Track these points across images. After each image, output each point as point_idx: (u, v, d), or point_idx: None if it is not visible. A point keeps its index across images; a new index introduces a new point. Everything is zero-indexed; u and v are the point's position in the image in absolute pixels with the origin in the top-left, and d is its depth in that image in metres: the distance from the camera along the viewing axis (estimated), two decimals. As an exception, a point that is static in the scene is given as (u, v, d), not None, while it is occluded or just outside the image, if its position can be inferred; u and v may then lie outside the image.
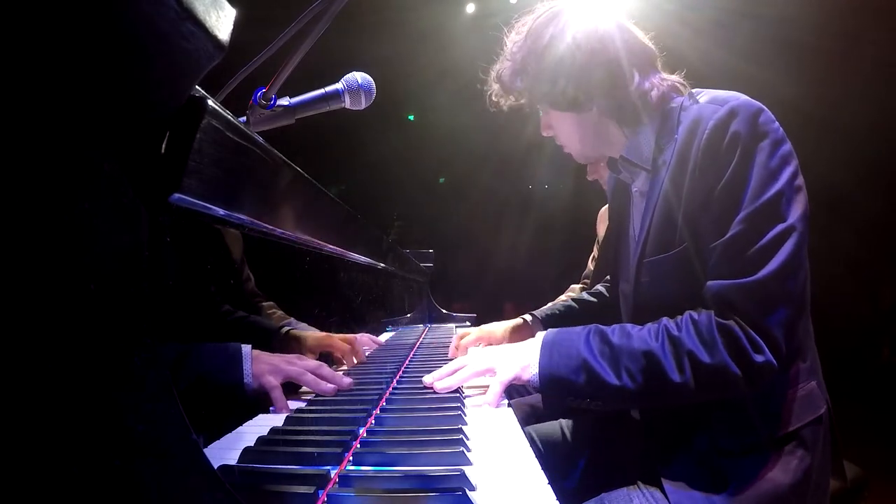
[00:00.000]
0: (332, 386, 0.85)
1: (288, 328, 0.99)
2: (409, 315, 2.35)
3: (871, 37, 4.24)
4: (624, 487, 0.85)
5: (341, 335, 1.14)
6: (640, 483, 0.85)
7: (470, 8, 4.92)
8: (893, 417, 3.38)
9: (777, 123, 0.81)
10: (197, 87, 0.43)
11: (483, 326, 1.27)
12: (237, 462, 0.55)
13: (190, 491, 0.34)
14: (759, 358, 0.74)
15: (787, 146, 0.80)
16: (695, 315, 0.80)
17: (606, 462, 1.02)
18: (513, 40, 0.97)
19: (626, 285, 0.98)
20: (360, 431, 0.65)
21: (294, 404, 0.81)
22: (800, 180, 0.81)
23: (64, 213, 0.28)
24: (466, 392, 0.91)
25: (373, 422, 0.70)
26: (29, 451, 0.27)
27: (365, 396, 0.83)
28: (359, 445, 0.60)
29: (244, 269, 0.89)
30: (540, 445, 1.07)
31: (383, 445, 0.61)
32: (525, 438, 0.67)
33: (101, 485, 0.29)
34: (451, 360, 1.08)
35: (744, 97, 0.82)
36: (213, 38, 0.35)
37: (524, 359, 0.85)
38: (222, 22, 0.36)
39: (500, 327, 1.28)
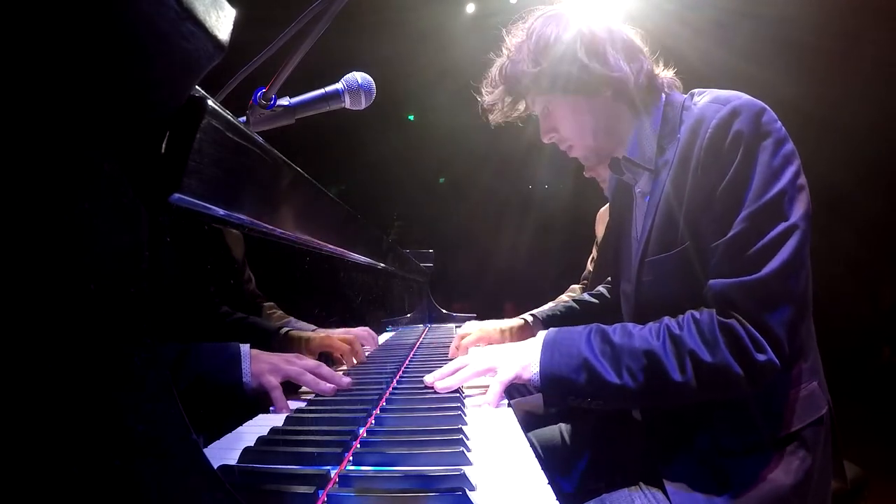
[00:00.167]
0: (331, 386, 0.85)
1: (287, 329, 0.99)
2: (409, 315, 2.35)
3: (871, 37, 4.25)
4: (625, 488, 0.85)
5: (341, 334, 1.13)
6: (641, 484, 0.85)
7: (470, 8, 4.92)
8: (893, 417, 3.38)
9: (779, 123, 0.81)
10: (197, 87, 0.43)
11: (483, 326, 1.26)
12: (237, 462, 0.55)
13: (190, 491, 0.34)
14: (760, 357, 0.74)
15: (790, 145, 0.81)
16: (696, 314, 0.80)
17: (607, 462, 1.02)
18: (514, 41, 0.97)
19: (628, 286, 0.98)
20: (360, 431, 0.65)
21: (294, 404, 0.81)
22: (802, 179, 0.81)
23: (64, 213, 0.28)
24: (466, 392, 0.91)
25: (373, 422, 0.70)
26: (29, 451, 0.27)
27: (365, 396, 0.83)
28: (359, 445, 0.60)
29: (245, 269, 0.89)
30: (540, 451, 1.07)
31: (383, 445, 0.61)
32: (525, 438, 0.67)
33: (101, 485, 0.29)
34: (451, 360, 1.08)
35: (746, 97, 0.82)
36: (213, 38, 0.35)
37: (525, 358, 0.85)
38: (222, 22, 0.36)
39: (501, 327, 1.28)
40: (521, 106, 1.06)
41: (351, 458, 0.56)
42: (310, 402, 0.84)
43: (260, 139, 0.57)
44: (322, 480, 0.48)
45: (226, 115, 0.46)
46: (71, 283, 0.29)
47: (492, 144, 5.51)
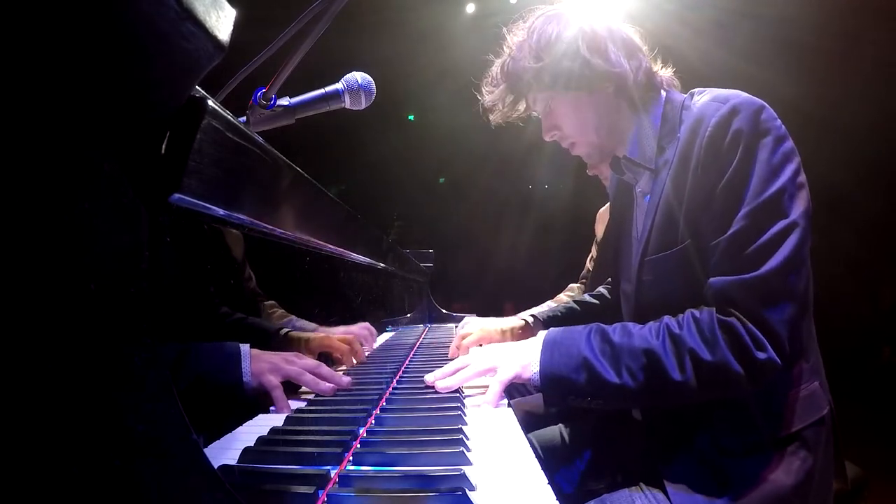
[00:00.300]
0: (331, 385, 0.85)
1: (287, 329, 0.99)
2: (409, 315, 2.35)
3: (871, 37, 4.25)
4: (626, 488, 0.85)
5: (340, 334, 1.13)
6: (642, 484, 0.85)
7: (470, 8, 4.93)
8: (893, 417, 3.38)
9: (779, 121, 0.81)
10: (197, 87, 0.43)
11: (484, 326, 1.26)
12: (237, 462, 0.55)
13: (190, 491, 0.34)
14: (761, 355, 0.73)
15: (789, 143, 0.80)
16: (696, 313, 0.80)
17: (608, 463, 1.02)
18: (515, 40, 0.98)
19: (628, 285, 0.98)
20: (360, 431, 0.65)
21: (294, 404, 0.81)
22: (802, 177, 0.81)
23: (64, 213, 0.28)
24: (466, 392, 0.91)
25: (373, 422, 0.70)
26: (29, 451, 0.27)
27: (365, 396, 0.83)
28: (359, 445, 0.60)
29: (245, 268, 0.89)
30: (540, 451, 1.07)
31: (383, 445, 0.61)
32: (525, 438, 0.67)
33: (101, 485, 0.29)
34: (451, 359, 1.08)
35: (745, 95, 0.82)
36: (213, 39, 0.35)
37: (525, 357, 0.85)
38: (222, 22, 0.36)
39: (502, 328, 1.28)
40: (522, 106, 1.06)
41: (351, 458, 0.56)
42: (310, 402, 0.84)
43: (260, 139, 0.57)
44: (322, 480, 0.48)
45: (226, 115, 0.46)
46: (71, 283, 0.29)
47: (492, 144, 5.52)
